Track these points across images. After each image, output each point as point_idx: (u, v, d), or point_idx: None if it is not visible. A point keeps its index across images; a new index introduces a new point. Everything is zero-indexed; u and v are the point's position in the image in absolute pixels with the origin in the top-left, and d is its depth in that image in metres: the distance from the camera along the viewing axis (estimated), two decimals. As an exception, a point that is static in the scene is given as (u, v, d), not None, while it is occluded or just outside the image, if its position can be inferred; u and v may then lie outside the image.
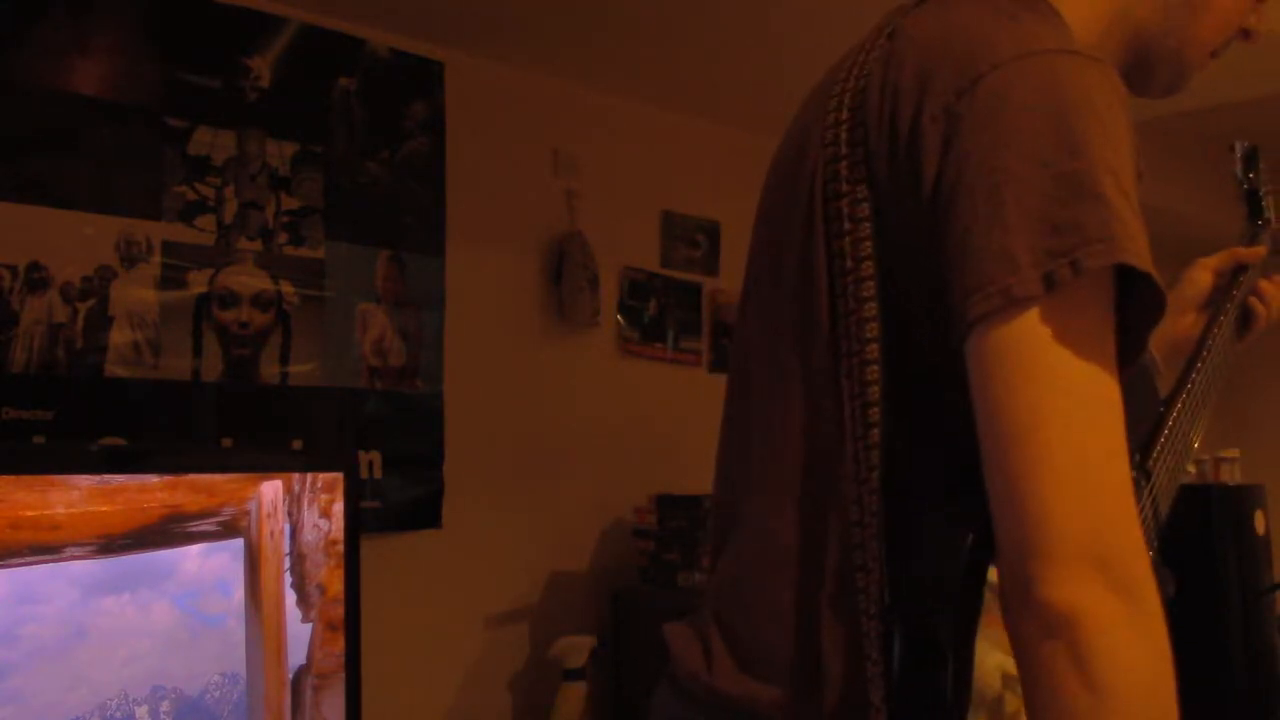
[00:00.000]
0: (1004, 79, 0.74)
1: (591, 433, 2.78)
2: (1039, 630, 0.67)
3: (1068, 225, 0.69)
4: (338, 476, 1.85)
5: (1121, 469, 0.69)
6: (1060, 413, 0.68)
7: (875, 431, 0.77)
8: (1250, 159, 1.33)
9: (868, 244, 0.78)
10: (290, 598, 1.78)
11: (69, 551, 1.52)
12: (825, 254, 0.81)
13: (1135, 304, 0.71)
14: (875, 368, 0.77)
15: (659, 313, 2.98)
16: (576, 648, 2.51)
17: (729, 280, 3.15)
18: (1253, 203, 1.32)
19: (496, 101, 2.66)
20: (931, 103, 0.76)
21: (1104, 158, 0.71)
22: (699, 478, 2.93)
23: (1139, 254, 0.69)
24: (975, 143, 0.73)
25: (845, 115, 0.82)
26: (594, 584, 2.74)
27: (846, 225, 0.79)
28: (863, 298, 0.78)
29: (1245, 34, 1.00)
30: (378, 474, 2.35)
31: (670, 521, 2.64)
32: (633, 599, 2.70)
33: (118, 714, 1.56)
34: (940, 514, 0.78)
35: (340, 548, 1.85)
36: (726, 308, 3.13)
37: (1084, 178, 0.70)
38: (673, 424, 2.96)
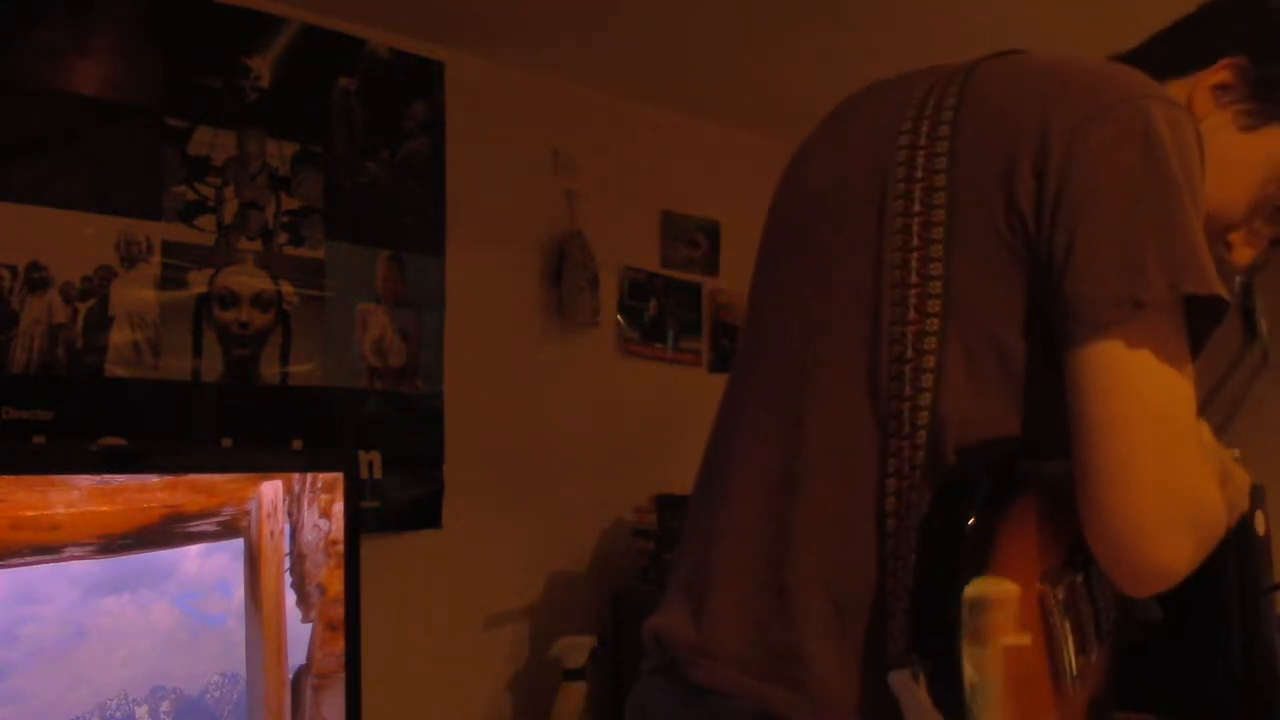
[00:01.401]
0: (1134, 111, 0.84)
1: (591, 432, 2.78)
2: (1147, 590, 0.84)
3: (1174, 257, 0.82)
4: (338, 476, 1.85)
5: (1198, 448, 0.85)
6: (1177, 403, 0.83)
7: (922, 433, 0.85)
8: (1247, 288, 1.41)
9: (938, 264, 0.86)
10: (290, 598, 1.78)
11: (69, 551, 1.52)
12: (889, 269, 0.89)
13: (1201, 317, 0.85)
14: (931, 376, 0.85)
15: (659, 313, 2.98)
16: (576, 648, 2.51)
17: (729, 280, 3.15)
18: (1248, 321, 1.39)
19: (496, 101, 2.66)
20: (1058, 123, 0.85)
21: (1198, 202, 0.85)
22: (699, 478, 2.93)
23: (1221, 286, 0.84)
24: (1101, 167, 0.84)
25: (924, 141, 0.90)
26: (594, 584, 2.74)
27: (915, 242, 0.87)
28: (927, 312, 0.86)
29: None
30: (378, 474, 2.35)
31: (670, 521, 2.63)
32: (633, 599, 2.70)
33: (118, 714, 1.56)
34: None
35: (340, 548, 1.85)
36: (727, 308, 3.13)
37: (1181, 217, 0.83)
38: (673, 424, 2.96)
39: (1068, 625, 0.88)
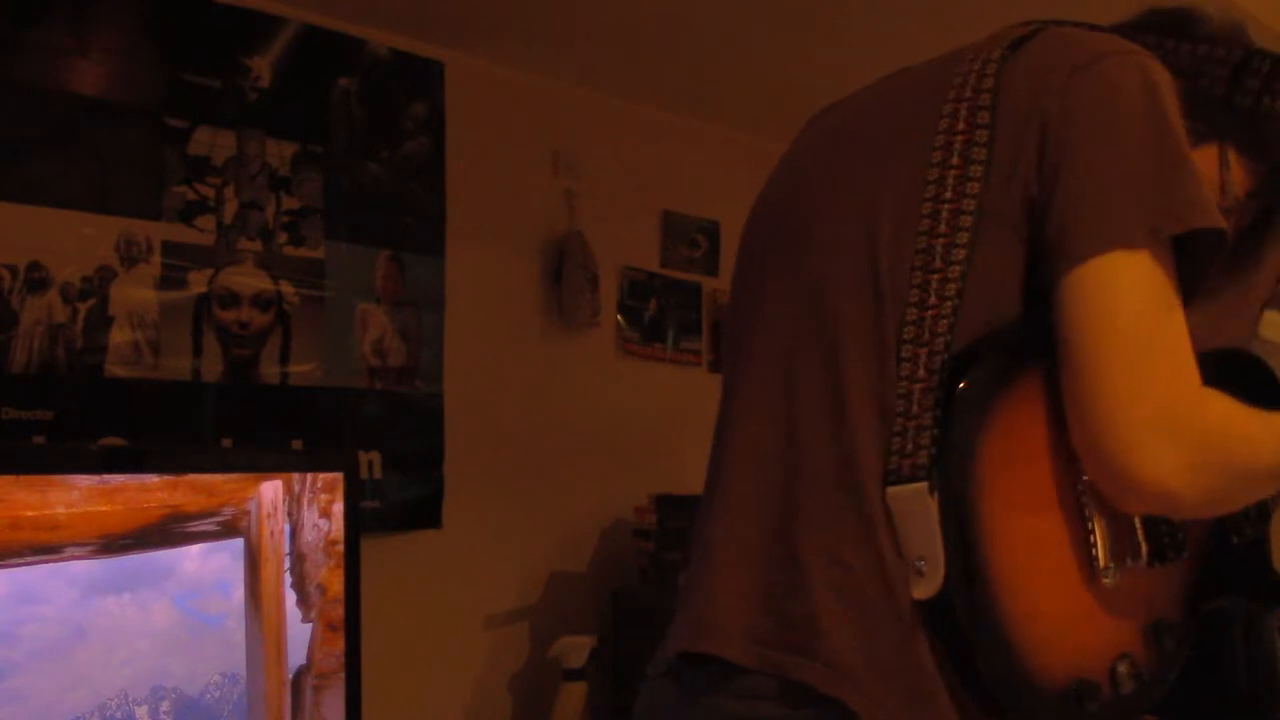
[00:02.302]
0: (1120, 63, 0.91)
1: (591, 433, 2.78)
2: (1145, 508, 0.88)
3: (1170, 190, 0.87)
4: (338, 476, 1.85)
5: (1186, 365, 0.86)
6: (1153, 323, 0.85)
7: (929, 415, 0.87)
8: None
9: (962, 250, 0.89)
10: (290, 598, 1.78)
11: (69, 551, 1.52)
12: (914, 253, 0.91)
13: (1201, 249, 0.88)
14: (941, 358, 0.87)
15: (659, 313, 2.98)
16: (576, 648, 2.51)
17: (729, 280, 3.15)
18: None
19: (496, 101, 2.66)
20: (1051, 84, 0.90)
21: (1184, 138, 0.89)
22: (699, 478, 2.92)
23: (1220, 218, 0.88)
24: (1092, 115, 0.89)
25: (962, 127, 0.93)
26: (594, 584, 2.74)
27: (943, 229, 0.91)
28: (944, 295, 0.88)
29: None
30: (378, 474, 2.35)
31: (670, 521, 2.63)
32: (633, 599, 2.70)
33: (118, 714, 1.56)
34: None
35: (340, 548, 1.85)
36: (727, 308, 3.13)
37: (1176, 153, 0.88)
38: (673, 424, 2.96)
39: (1099, 516, 0.90)
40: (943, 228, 0.89)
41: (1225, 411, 0.89)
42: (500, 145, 2.65)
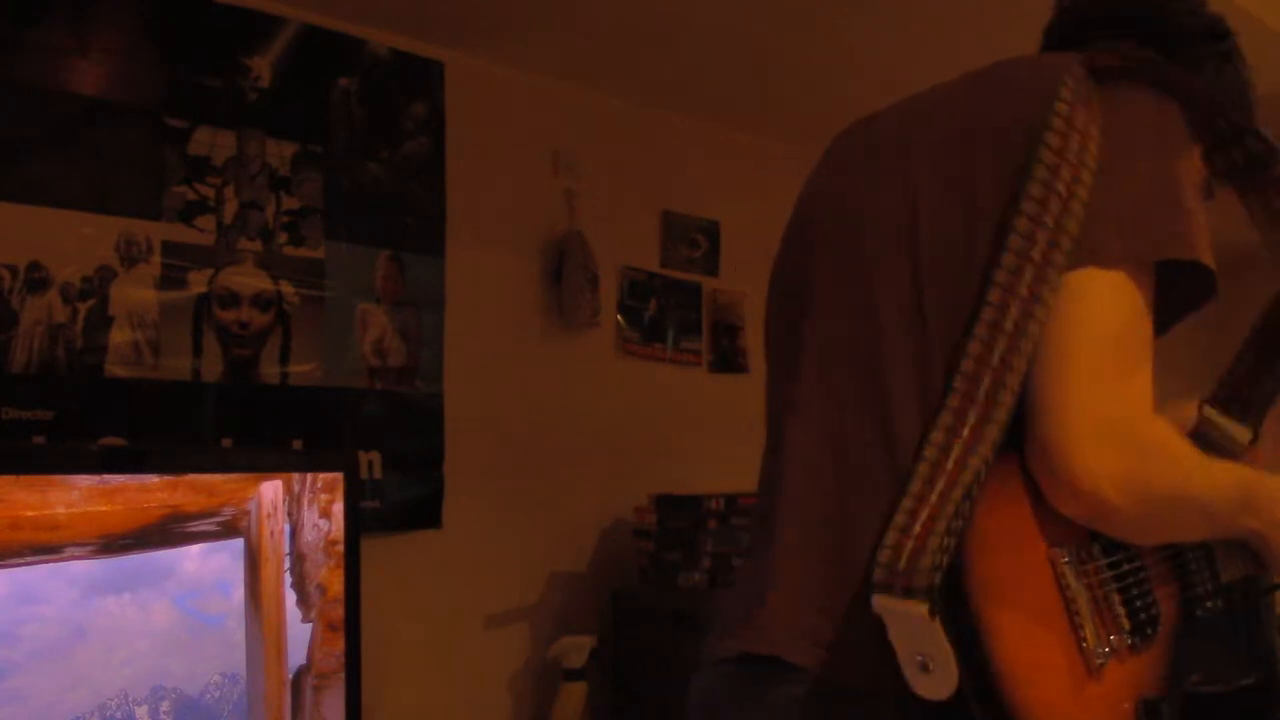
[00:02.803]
0: (1128, 94, 0.97)
1: (591, 433, 2.78)
2: (1076, 508, 0.91)
3: (1159, 220, 0.92)
4: (338, 476, 1.85)
5: (1144, 384, 0.92)
6: (1126, 343, 0.91)
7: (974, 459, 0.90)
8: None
9: (1049, 289, 0.94)
10: (290, 598, 1.78)
11: (69, 551, 1.52)
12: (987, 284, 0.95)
13: (1187, 284, 0.94)
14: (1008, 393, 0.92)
15: (659, 313, 2.98)
16: (576, 648, 2.51)
17: (729, 280, 3.15)
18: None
19: (496, 101, 2.66)
20: (1058, 108, 0.95)
21: (1183, 173, 0.95)
22: (699, 478, 2.93)
23: (1207, 254, 0.93)
24: (1101, 139, 0.94)
25: (1073, 159, 0.96)
26: (594, 584, 2.74)
27: (1037, 255, 0.94)
28: (1024, 332, 0.93)
29: None
30: (378, 474, 2.35)
31: (670, 521, 2.63)
32: (633, 599, 2.70)
33: (118, 714, 1.56)
34: None
35: (340, 548, 1.85)
36: (726, 308, 3.13)
37: (1171, 188, 0.94)
38: (673, 424, 2.96)
39: (1084, 599, 0.92)
40: (1024, 290, 0.92)
41: (1169, 436, 0.94)
42: (500, 145, 2.66)
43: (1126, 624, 0.97)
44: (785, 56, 2.67)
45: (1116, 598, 0.97)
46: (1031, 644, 0.88)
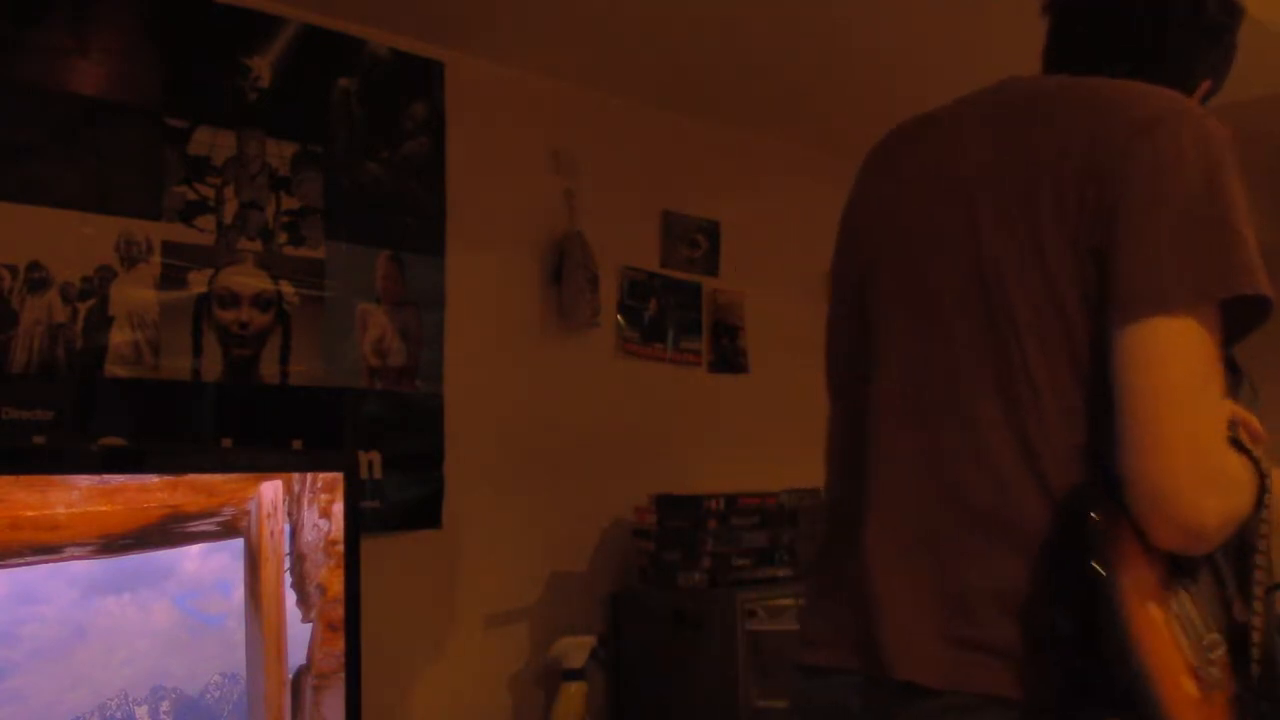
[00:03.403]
0: (1172, 129, 1.03)
1: (591, 433, 2.78)
2: (1178, 541, 1.02)
3: (1221, 256, 1.00)
4: (338, 476, 1.86)
5: (1224, 420, 1.03)
6: (1205, 382, 1.00)
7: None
8: None
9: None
10: (290, 598, 1.78)
11: (69, 551, 1.52)
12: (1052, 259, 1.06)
13: (1247, 311, 1.02)
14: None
15: (659, 313, 2.98)
16: (576, 648, 2.51)
17: (729, 280, 3.15)
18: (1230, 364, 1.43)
19: (496, 101, 2.66)
20: (1117, 133, 1.03)
21: (1240, 203, 1.01)
22: (699, 478, 2.93)
23: (1267, 285, 1.00)
24: (1164, 168, 1.01)
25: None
26: (594, 584, 2.74)
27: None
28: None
29: None
30: (378, 474, 2.35)
31: (670, 521, 2.64)
32: (633, 599, 2.70)
33: (118, 714, 1.56)
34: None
35: (340, 548, 1.85)
36: (726, 308, 3.13)
37: (1230, 220, 1.00)
38: (673, 424, 2.96)
39: (1179, 628, 1.04)
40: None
41: (1239, 463, 1.05)
42: (500, 145, 2.65)
43: (1205, 655, 1.07)
44: (785, 57, 2.67)
45: (1193, 627, 1.07)
46: (1162, 646, 1.01)
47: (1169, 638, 1.02)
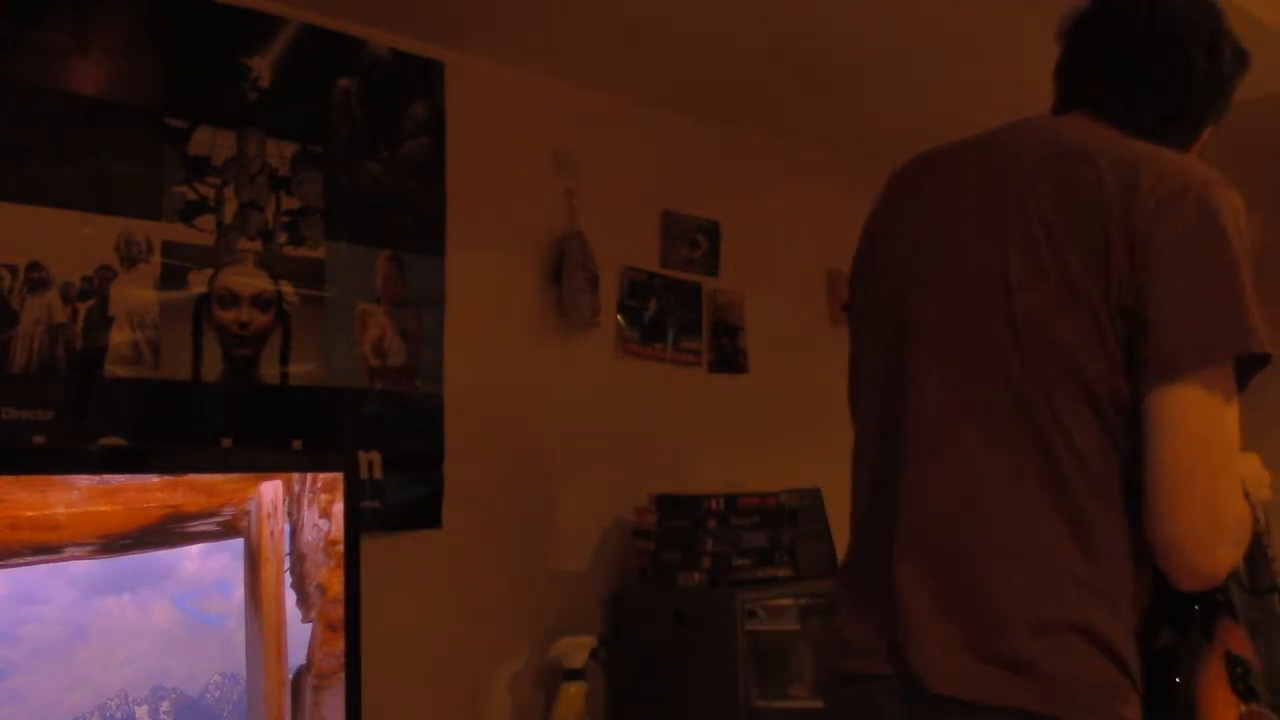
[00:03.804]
0: (1201, 199, 1.15)
1: (591, 433, 2.78)
2: (1194, 585, 1.19)
3: (1241, 320, 1.13)
4: (338, 476, 1.85)
5: (1239, 475, 1.19)
6: (1224, 454, 1.15)
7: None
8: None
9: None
10: (290, 598, 1.78)
11: (69, 551, 1.52)
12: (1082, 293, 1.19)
13: (1249, 364, 1.15)
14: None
15: (659, 313, 2.98)
16: (576, 648, 2.51)
17: (729, 280, 3.15)
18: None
19: (496, 101, 2.66)
20: (1143, 201, 1.14)
21: (1247, 270, 1.14)
22: (699, 478, 2.93)
23: (1269, 345, 1.13)
24: (1191, 239, 1.14)
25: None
26: (594, 584, 2.74)
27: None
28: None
29: None
30: (378, 474, 2.35)
31: (670, 521, 2.64)
32: (633, 599, 2.70)
33: (118, 714, 1.56)
34: None
35: (340, 548, 1.85)
36: (726, 308, 3.13)
37: (1245, 284, 1.13)
38: (673, 424, 2.96)
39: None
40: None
41: (1246, 512, 1.19)
42: (500, 145, 2.65)
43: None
44: (785, 57, 2.67)
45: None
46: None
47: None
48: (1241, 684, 1.27)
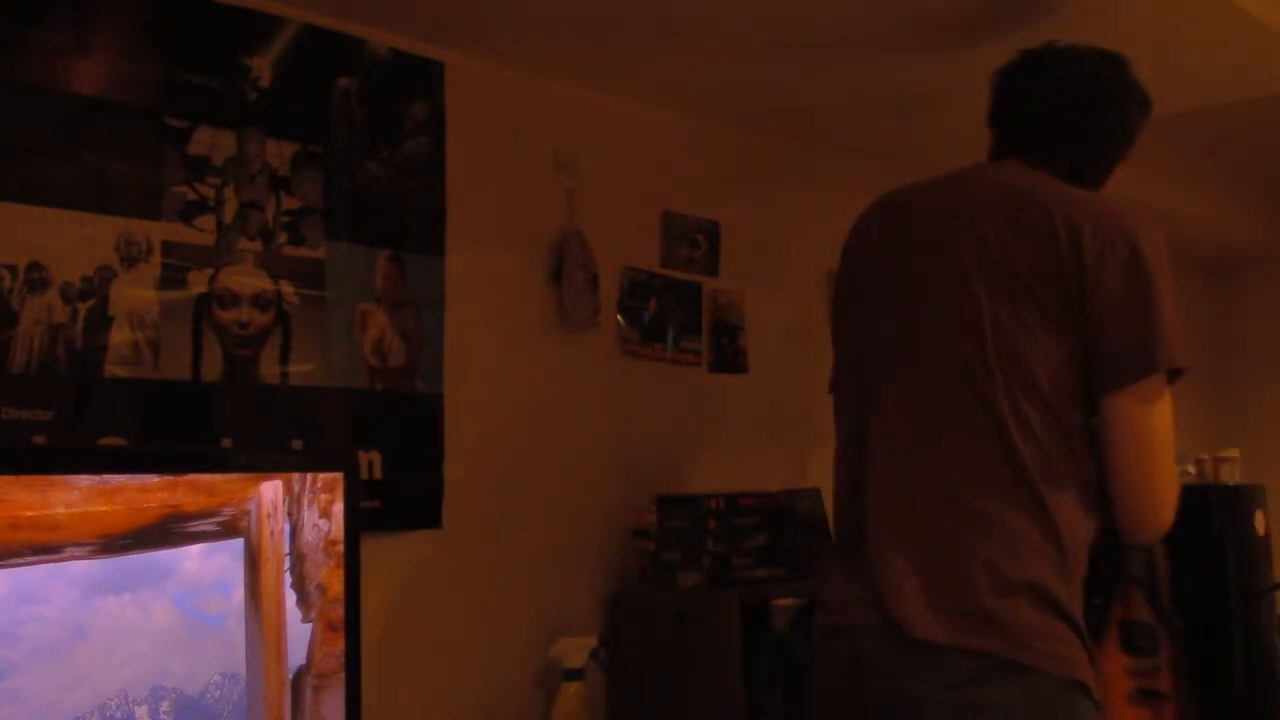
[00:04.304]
0: (1139, 233, 1.49)
1: (591, 433, 2.78)
2: (1154, 540, 1.63)
3: (1174, 338, 1.48)
4: (338, 476, 1.86)
5: (1174, 462, 1.55)
6: (1170, 443, 1.51)
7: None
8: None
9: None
10: (290, 598, 1.78)
11: (69, 551, 1.52)
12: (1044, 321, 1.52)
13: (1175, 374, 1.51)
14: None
15: (659, 313, 2.98)
16: (576, 648, 2.51)
17: (729, 280, 3.15)
18: None
19: (496, 101, 2.66)
20: (1089, 244, 1.47)
21: (1171, 296, 1.49)
22: (699, 478, 2.93)
23: (1189, 360, 1.49)
24: (1133, 275, 1.47)
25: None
26: (594, 584, 2.74)
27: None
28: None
29: None
30: (378, 474, 2.35)
31: (670, 521, 2.64)
32: (633, 599, 2.70)
33: (118, 714, 1.56)
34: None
35: (340, 548, 1.85)
36: (726, 308, 3.13)
37: (1166, 314, 1.48)
38: (673, 424, 2.96)
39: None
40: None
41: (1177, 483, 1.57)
42: (500, 145, 2.66)
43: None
44: (786, 57, 2.67)
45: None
46: None
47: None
48: (1129, 644, 1.74)
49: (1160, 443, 1.48)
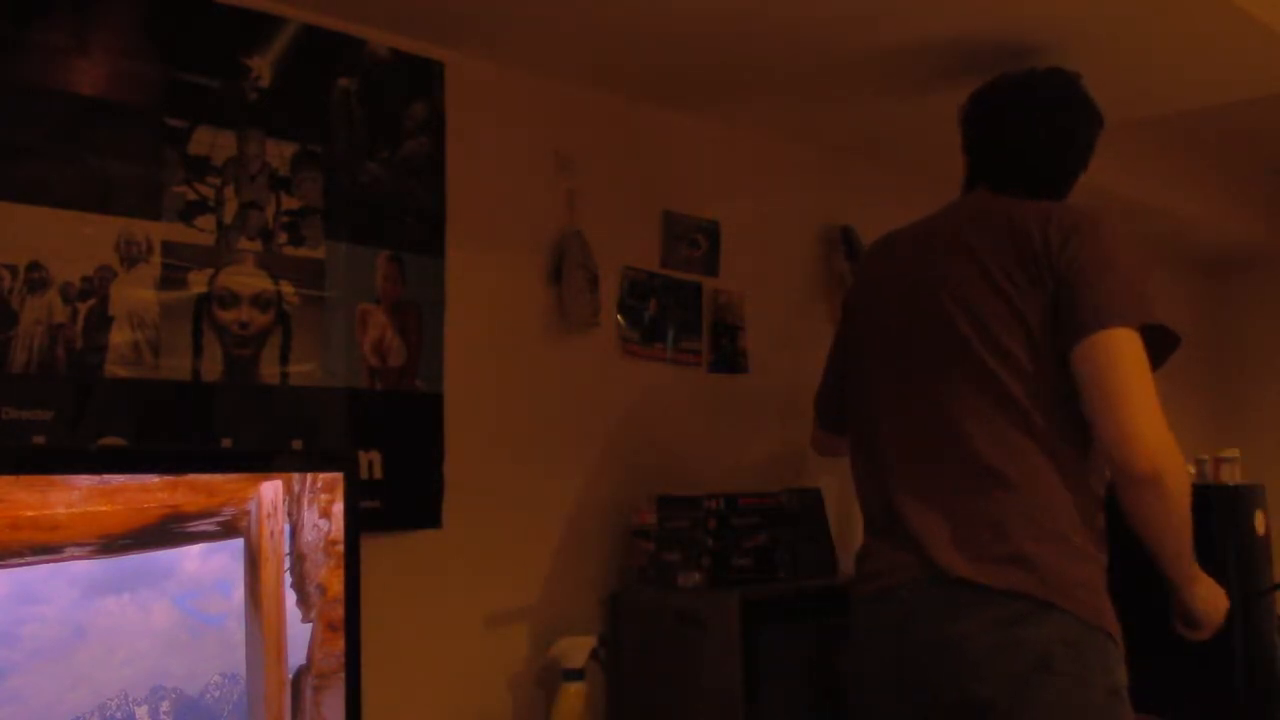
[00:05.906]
0: (1094, 221, 1.73)
1: (592, 433, 2.78)
2: (1142, 489, 1.63)
3: (1142, 296, 1.69)
4: (338, 476, 1.86)
5: (1158, 408, 1.65)
6: (1143, 380, 1.64)
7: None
8: None
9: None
10: (290, 598, 1.78)
11: (69, 551, 1.52)
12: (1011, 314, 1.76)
13: (1158, 346, 1.71)
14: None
15: (659, 313, 2.98)
16: (576, 648, 2.51)
17: (729, 280, 3.15)
18: None
19: (496, 101, 2.66)
20: (1054, 235, 1.72)
21: (1141, 266, 1.71)
22: (699, 478, 2.93)
23: (1164, 317, 1.69)
24: (1089, 251, 1.70)
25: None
26: (594, 584, 2.74)
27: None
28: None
29: None
30: (378, 474, 2.35)
31: (670, 521, 2.64)
32: (633, 599, 2.70)
33: (118, 714, 1.56)
34: None
35: (340, 548, 1.85)
36: (726, 308, 3.13)
37: (1135, 277, 1.69)
38: (673, 424, 2.96)
39: None
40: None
41: (1182, 464, 1.68)
42: (500, 145, 2.66)
43: None
44: (786, 57, 2.67)
45: None
46: None
47: None
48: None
49: (1140, 374, 1.61)
